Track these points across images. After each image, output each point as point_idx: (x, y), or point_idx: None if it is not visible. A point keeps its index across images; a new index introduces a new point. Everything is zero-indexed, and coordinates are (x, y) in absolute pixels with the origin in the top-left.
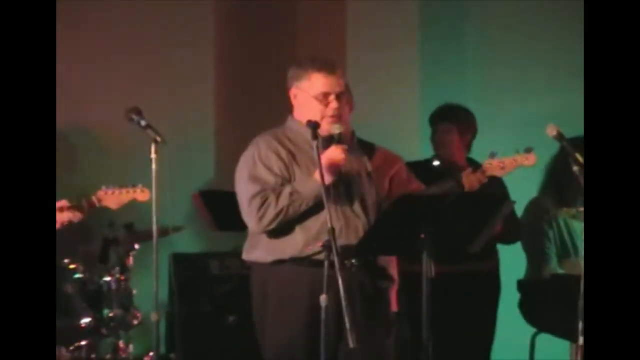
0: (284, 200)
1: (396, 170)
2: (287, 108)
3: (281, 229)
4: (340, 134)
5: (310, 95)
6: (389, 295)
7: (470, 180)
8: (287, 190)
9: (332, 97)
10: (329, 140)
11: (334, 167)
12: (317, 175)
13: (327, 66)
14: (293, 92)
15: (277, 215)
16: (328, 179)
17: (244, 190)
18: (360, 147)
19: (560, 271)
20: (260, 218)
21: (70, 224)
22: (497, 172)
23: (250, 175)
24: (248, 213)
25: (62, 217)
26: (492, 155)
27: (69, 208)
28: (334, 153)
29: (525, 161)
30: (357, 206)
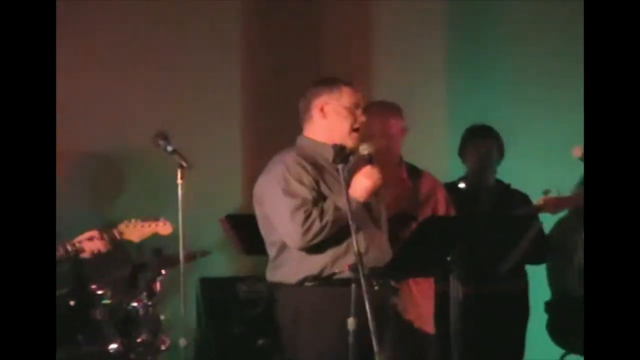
0: (328, 215)
1: (438, 198)
2: None
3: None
4: (370, 154)
5: (342, 106)
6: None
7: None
8: (329, 205)
9: (360, 110)
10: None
11: (370, 189)
12: (352, 192)
13: (352, 83)
14: (319, 104)
15: (322, 229)
16: (363, 199)
17: (281, 206)
18: (409, 171)
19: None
20: (305, 232)
21: (99, 253)
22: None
23: (285, 191)
24: (291, 227)
25: (92, 246)
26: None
27: (98, 238)
28: (370, 173)
29: None
30: (378, 223)
